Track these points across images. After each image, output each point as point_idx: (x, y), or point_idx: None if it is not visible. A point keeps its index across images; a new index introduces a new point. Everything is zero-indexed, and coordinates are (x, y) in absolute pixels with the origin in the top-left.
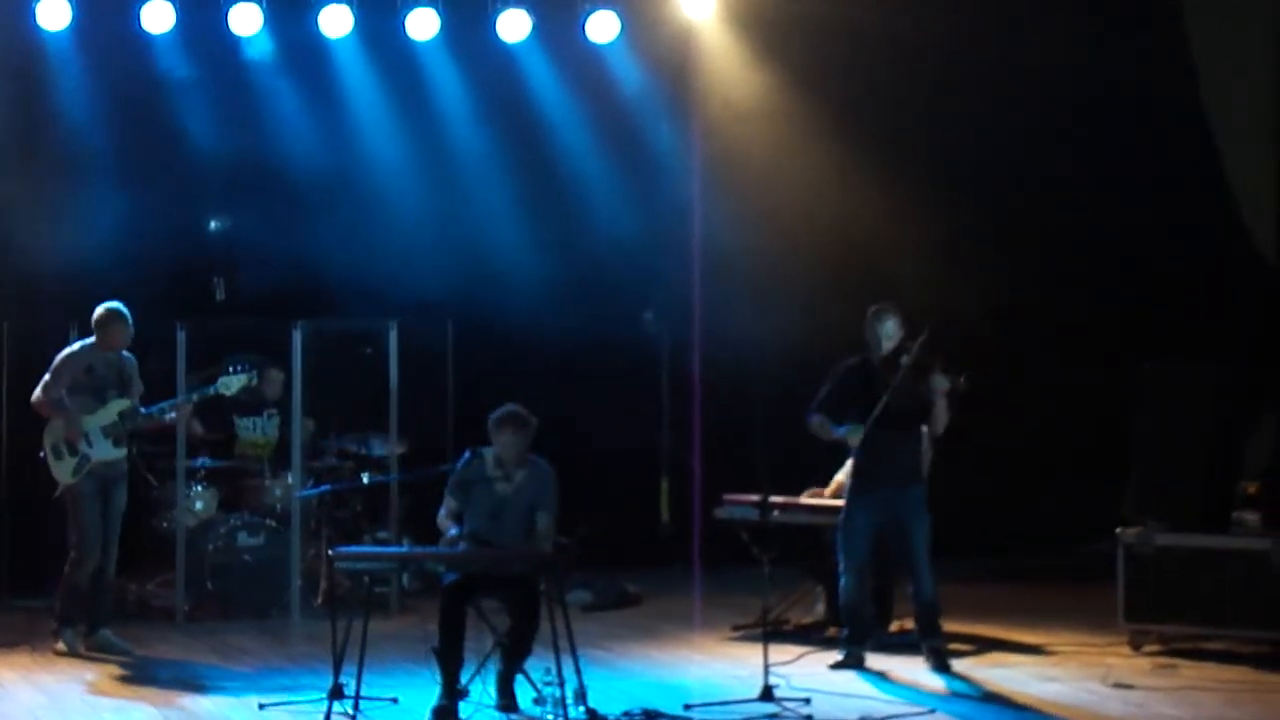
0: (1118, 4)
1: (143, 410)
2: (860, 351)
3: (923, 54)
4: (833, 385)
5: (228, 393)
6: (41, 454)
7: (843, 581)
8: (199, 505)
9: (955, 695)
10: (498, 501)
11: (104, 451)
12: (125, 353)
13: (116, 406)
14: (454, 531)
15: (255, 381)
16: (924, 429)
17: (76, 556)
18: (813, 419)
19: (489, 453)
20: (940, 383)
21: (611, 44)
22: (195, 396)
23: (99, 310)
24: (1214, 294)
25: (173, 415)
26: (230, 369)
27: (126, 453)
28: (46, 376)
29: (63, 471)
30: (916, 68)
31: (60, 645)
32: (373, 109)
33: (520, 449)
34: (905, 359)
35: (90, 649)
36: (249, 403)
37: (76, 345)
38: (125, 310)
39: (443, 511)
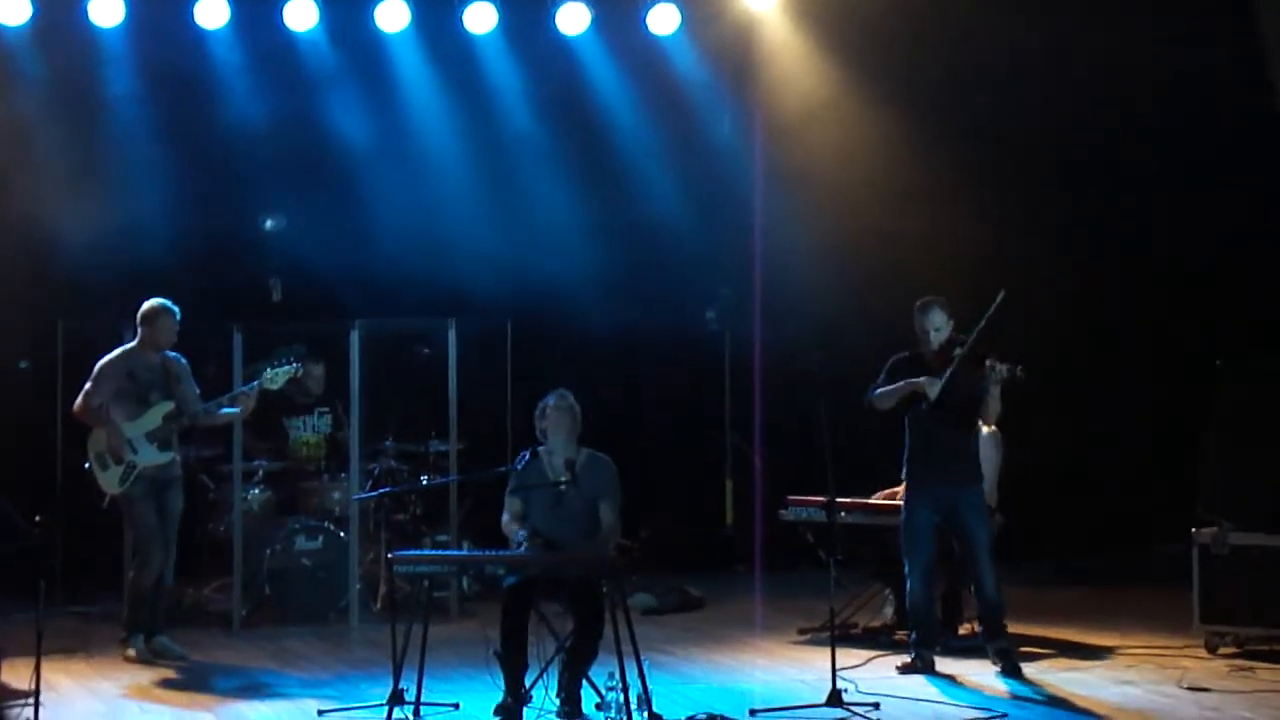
0: None
1: (200, 408)
2: (911, 346)
3: (990, 46)
4: (885, 378)
5: (273, 387)
6: (86, 464)
7: (909, 584)
8: (255, 508)
9: (1027, 700)
10: (557, 493)
11: (150, 457)
12: (172, 353)
13: (160, 410)
14: (521, 536)
15: (300, 373)
16: (984, 430)
17: (140, 561)
18: (874, 393)
19: (544, 450)
20: (998, 372)
21: (672, 36)
22: (245, 390)
23: (146, 305)
24: None
25: (228, 410)
26: (275, 362)
27: (176, 456)
28: (88, 384)
29: (109, 481)
30: (984, 60)
31: (130, 652)
32: (430, 104)
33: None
34: (959, 350)
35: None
36: (298, 403)
37: (116, 351)
38: (173, 305)
39: (506, 516)
